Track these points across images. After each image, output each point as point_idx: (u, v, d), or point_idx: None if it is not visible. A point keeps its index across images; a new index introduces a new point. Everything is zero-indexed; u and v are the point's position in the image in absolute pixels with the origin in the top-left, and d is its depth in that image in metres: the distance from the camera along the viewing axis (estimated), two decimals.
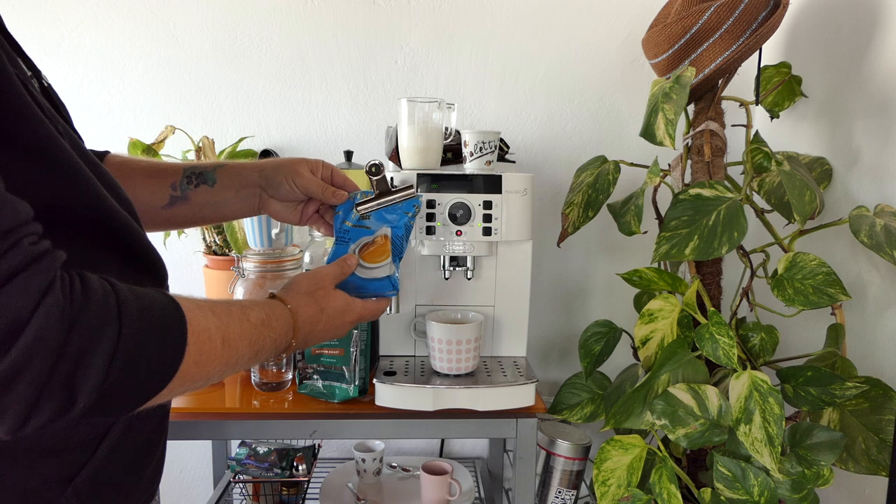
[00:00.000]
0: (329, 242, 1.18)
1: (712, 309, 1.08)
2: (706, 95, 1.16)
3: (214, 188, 0.86)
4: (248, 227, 1.24)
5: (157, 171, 0.86)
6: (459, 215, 1.11)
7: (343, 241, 0.87)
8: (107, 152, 0.84)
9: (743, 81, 1.19)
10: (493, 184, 1.12)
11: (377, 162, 0.88)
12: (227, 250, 1.36)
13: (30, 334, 0.43)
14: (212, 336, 0.56)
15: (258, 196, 0.87)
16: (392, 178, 1.02)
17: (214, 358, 0.57)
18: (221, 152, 1.39)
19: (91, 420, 0.49)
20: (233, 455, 1.43)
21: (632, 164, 1.26)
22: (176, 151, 1.42)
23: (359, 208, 0.88)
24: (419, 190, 1.11)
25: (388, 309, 1.13)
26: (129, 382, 0.49)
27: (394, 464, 1.50)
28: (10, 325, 0.43)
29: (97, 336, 0.46)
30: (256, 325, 0.64)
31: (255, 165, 0.88)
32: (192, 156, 1.37)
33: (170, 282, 0.70)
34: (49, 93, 0.65)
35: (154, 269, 0.67)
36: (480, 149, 1.14)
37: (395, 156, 1.22)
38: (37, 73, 0.64)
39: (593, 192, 1.22)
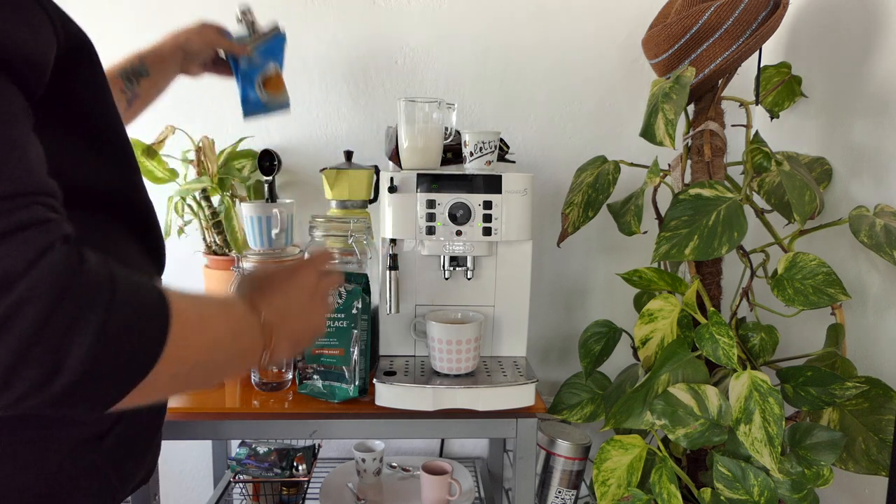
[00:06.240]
0: (329, 241, 1.19)
1: (712, 309, 1.08)
2: (706, 95, 1.16)
3: (151, 77, 1.04)
4: (248, 227, 1.24)
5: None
6: (459, 215, 1.11)
7: (249, 80, 1.15)
8: None
9: (743, 81, 1.19)
10: (493, 184, 1.12)
11: (245, 8, 1.16)
12: (227, 250, 1.36)
13: (20, 289, 0.42)
14: (190, 316, 0.55)
15: (179, 65, 1.10)
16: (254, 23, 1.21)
17: (195, 338, 0.55)
18: (221, 152, 1.39)
19: (68, 409, 0.47)
20: (233, 455, 1.43)
21: (632, 164, 1.26)
22: (176, 151, 1.42)
23: (253, 46, 1.15)
24: (419, 189, 1.12)
25: (388, 308, 1.14)
26: (114, 361, 0.47)
27: (394, 464, 1.50)
28: (2, 278, 0.42)
29: (87, 306, 0.45)
30: (224, 304, 0.64)
31: (174, 44, 1.08)
32: (191, 156, 1.37)
33: (170, 282, 0.70)
34: None
35: (158, 258, 0.75)
36: (480, 149, 1.14)
37: (395, 156, 1.22)
38: None
39: (593, 192, 1.22)
